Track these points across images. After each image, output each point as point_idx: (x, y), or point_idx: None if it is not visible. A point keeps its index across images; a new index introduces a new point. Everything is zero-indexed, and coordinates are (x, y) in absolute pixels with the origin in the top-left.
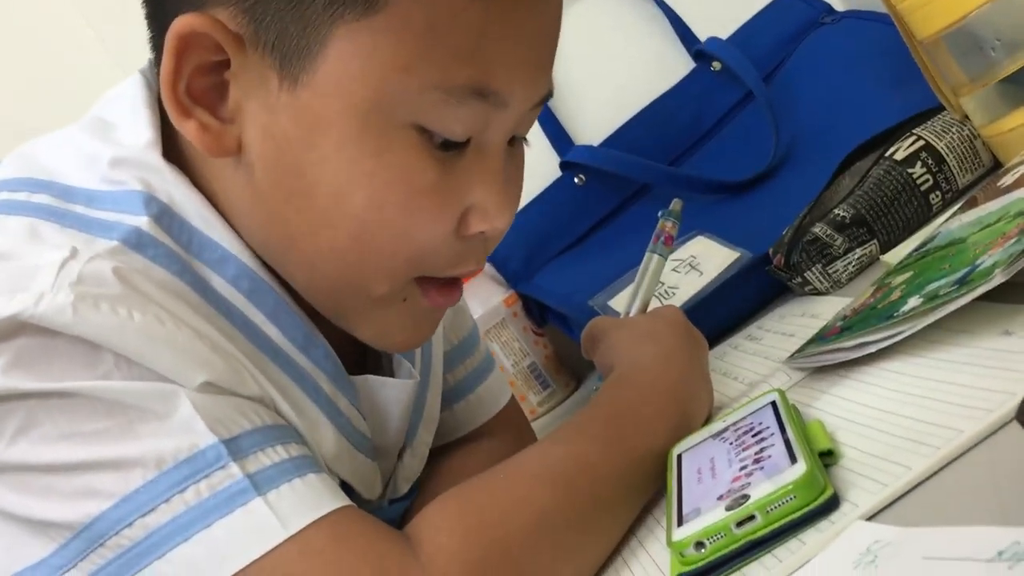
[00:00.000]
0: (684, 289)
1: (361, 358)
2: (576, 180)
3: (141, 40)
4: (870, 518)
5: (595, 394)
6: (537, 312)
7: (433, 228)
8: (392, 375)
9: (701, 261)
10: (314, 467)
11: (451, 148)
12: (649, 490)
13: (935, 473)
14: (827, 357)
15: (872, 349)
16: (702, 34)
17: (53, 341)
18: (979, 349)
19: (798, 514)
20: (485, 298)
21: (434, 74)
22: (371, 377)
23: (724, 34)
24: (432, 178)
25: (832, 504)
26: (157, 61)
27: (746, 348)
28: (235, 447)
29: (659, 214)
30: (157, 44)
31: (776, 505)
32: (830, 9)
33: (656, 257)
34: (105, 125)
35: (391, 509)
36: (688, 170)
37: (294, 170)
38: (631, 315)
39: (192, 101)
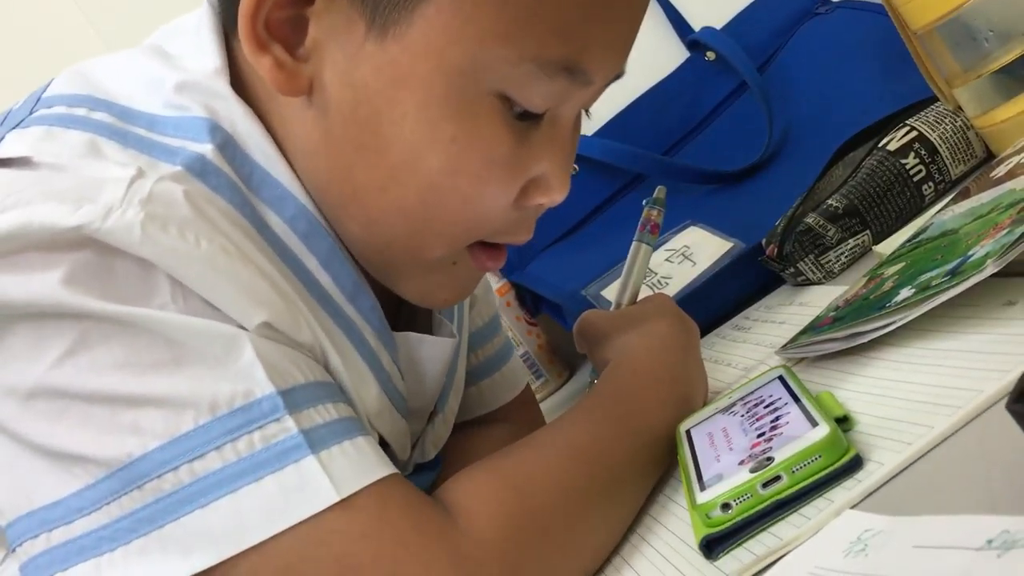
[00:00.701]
0: (677, 279)
1: (396, 315)
2: None
3: (139, 36)
4: (860, 503)
5: (592, 385)
6: (530, 301)
7: (498, 198)
8: (428, 332)
9: (694, 251)
10: (362, 429)
11: (527, 119)
12: (658, 468)
13: (955, 433)
14: (819, 347)
15: (865, 339)
16: (696, 23)
17: (113, 261)
18: (983, 320)
19: (823, 473)
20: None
21: (532, 46)
22: (412, 334)
23: (718, 24)
24: (507, 149)
25: (856, 463)
26: None
27: (735, 337)
28: (291, 400)
29: (643, 202)
30: None
31: (802, 465)
32: None
33: (643, 246)
34: (166, 55)
35: (419, 478)
36: (682, 160)
37: (370, 123)
38: (622, 305)
39: (269, 36)
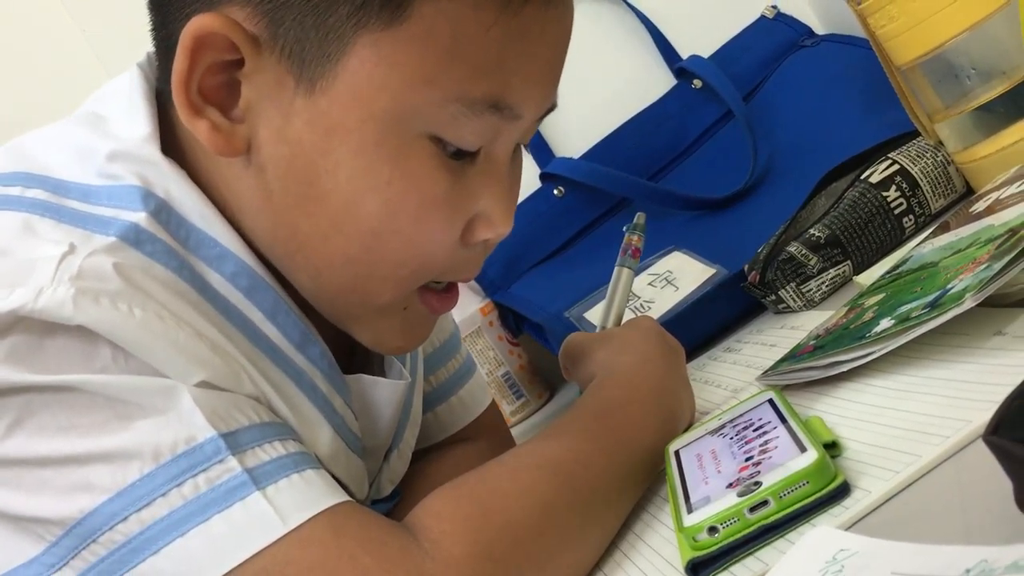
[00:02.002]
0: (660, 303)
1: (350, 357)
2: (555, 192)
3: (126, 38)
4: (846, 531)
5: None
6: (513, 322)
7: (441, 236)
8: (382, 374)
9: (677, 276)
10: (312, 463)
11: (462, 157)
12: (642, 485)
13: (943, 462)
14: (799, 375)
15: (844, 368)
16: (684, 51)
17: (51, 335)
18: (973, 349)
19: (811, 499)
20: (462, 306)
21: (455, 87)
22: (364, 376)
23: (706, 52)
24: (444, 187)
25: (843, 490)
26: (160, 56)
27: (725, 359)
28: (234, 441)
29: (624, 228)
30: (162, 41)
31: (789, 491)
32: (810, 32)
33: (625, 270)
34: (99, 119)
35: (375, 509)
36: (667, 185)
37: (306, 175)
38: (606, 328)
39: (203, 100)
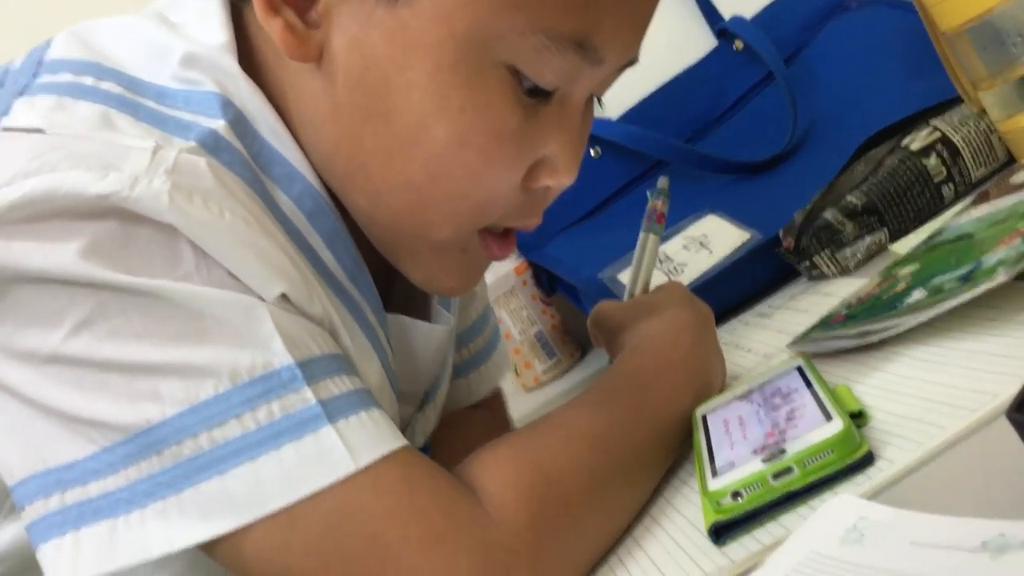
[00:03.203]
0: (693, 266)
1: (388, 296)
2: (592, 153)
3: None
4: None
5: (609, 366)
6: (547, 281)
7: (504, 175)
8: (427, 320)
9: (712, 240)
10: (375, 402)
11: (536, 95)
12: (675, 450)
13: (968, 435)
14: (830, 344)
15: (874, 339)
16: (726, 13)
17: (137, 230)
18: (1004, 323)
19: (834, 468)
20: (496, 265)
21: (543, 17)
22: (404, 317)
23: (748, 14)
24: (515, 124)
25: (867, 460)
26: None
27: (757, 323)
28: (308, 371)
29: (648, 193)
30: None
31: (814, 459)
32: None
33: (651, 236)
34: (170, 23)
35: None
36: (704, 148)
37: (378, 89)
38: (634, 295)
39: (282, 0)
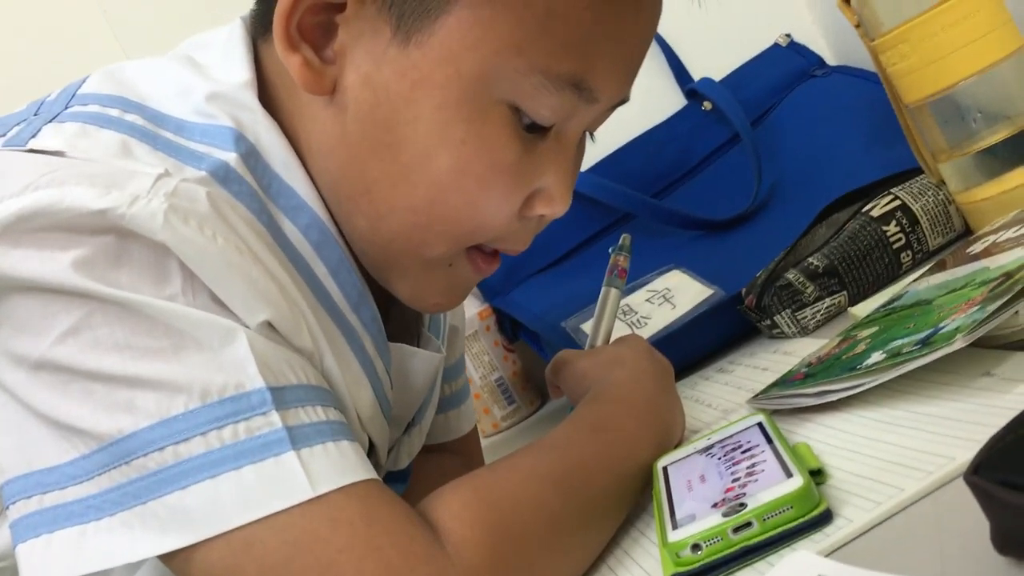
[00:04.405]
0: (656, 320)
1: (386, 327)
2: None
3: (148, 25)
4: (825, 558)
5: (571, 412)
6: (509, 328)
7: (501, 203)
8: (416, 347)
9: (675, 294)
10: (349, 435)
11: (534, 131)
12: (633, 498)
13: (925, 496)
14: (790, 401)
15: (833, 398)
16: (696, 73)
17: (130, 247)
18: (960, 388)
19: (794, 524)
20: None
21: (542, 59)
22: (405, 346)
23: (718, 76)
24: (513, 157)
25: (826, 518)
26: (260, 6)
27: (717, 379)
28: (280, 397)
29: (610, 250)
30: None
31: (773, 514)
32: (822, 62)
33: (612, 290)
34: (195, 64)
35: (392, 487)
36: (671, 204)
37: (387, 122)
38: (596, 346)
39: (300, 37)
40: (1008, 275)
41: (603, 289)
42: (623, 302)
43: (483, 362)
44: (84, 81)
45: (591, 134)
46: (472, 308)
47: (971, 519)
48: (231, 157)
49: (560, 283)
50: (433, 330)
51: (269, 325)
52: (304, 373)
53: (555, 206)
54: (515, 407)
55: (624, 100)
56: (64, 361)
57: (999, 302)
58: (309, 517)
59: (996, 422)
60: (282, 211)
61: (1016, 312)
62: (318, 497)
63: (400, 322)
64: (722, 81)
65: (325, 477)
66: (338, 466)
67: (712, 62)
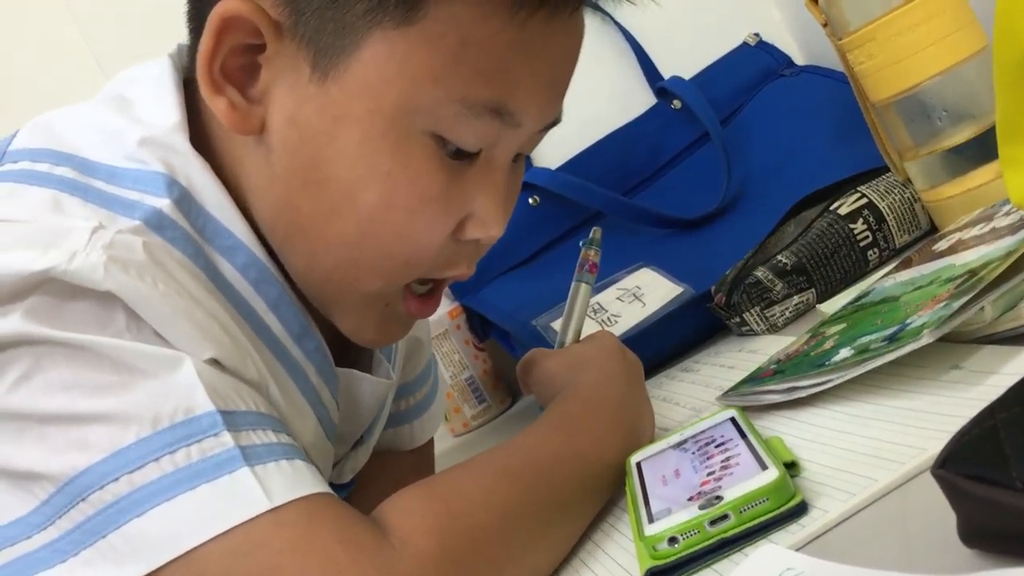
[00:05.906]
0: (626, 318)
1: (343, 351)
2: (531, 201)
3: (125, 42)
4: (801, 548)
5: (540, 414)
6: (480, 327)
7: (432, 231)
8: (369, 371)
9: (645, 292)
10: (301, 455)
11: (462, 157)
12: (603, 496)
13: (898, 487)
14: (759, 398)
15: (802, 394)
16: (666, 72)
17: (74, 299)
18: (929, 381)
19: (769, 516)
20: None
21: (459, 88)
22: (354, 371)
23: (687, 74)
24: (440, 185)
25: (801, 509)
26: (193, 43)
27: (683, 378)
28: (230, 420)
29: (580, 244)
30: (195, 26)
31: (749, 506)
32: (790, 62)
33: (583, 285)
34: (126, 103)
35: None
36: (641, 202)
37: (313, 159)
38: (565, 343)
39: (224, 79)
40: (973, 272)
41: (573, 284)
42: (593, 300)
43: (453, 361)
44: (15, 136)
45: (528, 157)
46: (442, 307)
47: (939, 512)
48: (164, 203)
49: (530, 281)
50: (385, 352)
51: (215, 361)
52: (253, 401)
53: (489, 230)
54: (486, 406)
55: (556, 121)
56: (17, 408)
57: (965, 298)
58: (255, 526)
59: (966, 413)
60: (218, 252)
61: (982, 308)
62: (273, 508)
63: (356, 347)
64: (691, 80)
65: (281, 489)
66: (293, 480)
67: (681, 60)
